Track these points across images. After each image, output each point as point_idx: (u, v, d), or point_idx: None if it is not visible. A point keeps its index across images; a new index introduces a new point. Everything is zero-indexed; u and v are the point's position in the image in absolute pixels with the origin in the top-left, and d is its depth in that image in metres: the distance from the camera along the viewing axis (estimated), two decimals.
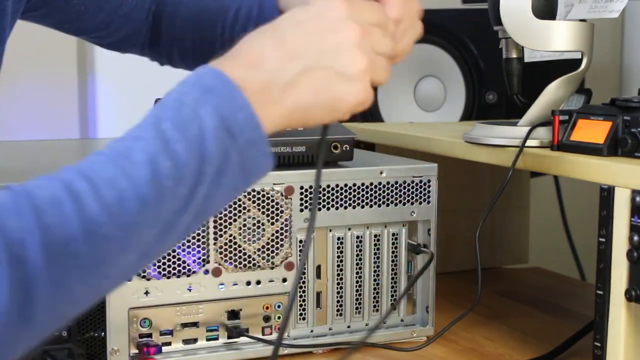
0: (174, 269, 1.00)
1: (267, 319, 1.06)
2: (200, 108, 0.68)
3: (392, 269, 1.12)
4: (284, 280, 1.06)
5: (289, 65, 0.72)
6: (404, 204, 1.11)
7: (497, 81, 1.50)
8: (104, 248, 0.65)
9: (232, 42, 1.03)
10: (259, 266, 1.04)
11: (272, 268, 1.05)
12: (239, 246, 1.03)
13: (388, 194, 1.10)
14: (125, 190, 0.65)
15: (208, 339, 1.04)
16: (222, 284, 1.03)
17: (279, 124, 0.73)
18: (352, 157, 1.09)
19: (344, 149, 1.08)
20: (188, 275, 1.01)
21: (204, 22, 1.11)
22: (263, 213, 1.03)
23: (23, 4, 1.06)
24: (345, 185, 1.07)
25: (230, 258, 1.03)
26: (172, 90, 0.71)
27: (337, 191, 1.07)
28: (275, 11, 1.02)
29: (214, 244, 1.01)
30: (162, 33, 1.16)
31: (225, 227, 1.02)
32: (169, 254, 0.99)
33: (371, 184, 1.09)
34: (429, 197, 1.12)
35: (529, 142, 1.04)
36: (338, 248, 1.09)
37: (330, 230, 1.08)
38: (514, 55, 1.09)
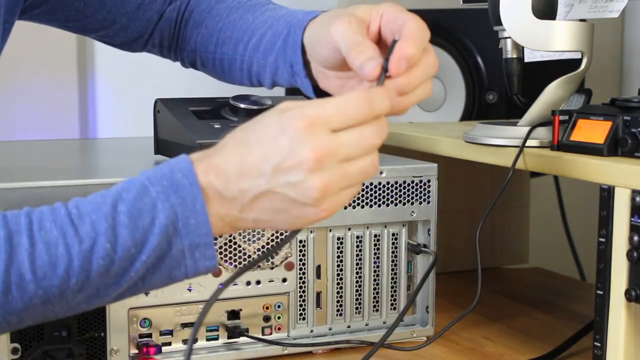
0: None
1: (267, 319, 1.06)
2: (160, 203, 0.73)
3: (392, 269, 1.12)
4: (284, 280, 1.06)
5: (247, 186, 0.74)
6: (404, 204, 1.11)
7: (497, 81, 1.50)
8: (24, 299, 0.71)
9: (251, 66, 1.06)
10: (258, 266, 1.04)
11: (272, 268, 1.05)
12: (239, 246, 1.03)
13: (388, 194, 1.10)
14: (59, 259, 0.71)
15: (208, 339, 1.04)
16: (222, 284, 1.03)
17: (243, 228, 0.80)
18: None
19: None
20: None
21: (226, 38, 1.11)
22: None
23: (18, 5, 1.06)
24: None
25: (230, 258, 1.03)
26: (147, 171, 0.75)
27: None
28: (299, 49, 0.98)
29: (214, 244, 1.01)
30: (186, 40, 1.16)
31: None
32: None
33: (371, 184, 1.09)
34: (429, 197, 1.12)
35: (529, 142, 1.04)
36: (338, 248, 1.09)
37: (330, 230, 1.08)
38: (514, 55, 1.09)
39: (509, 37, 1.08)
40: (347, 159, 0.73)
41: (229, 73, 1.11)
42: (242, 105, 1.08)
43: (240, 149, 0.74)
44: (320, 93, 0.97)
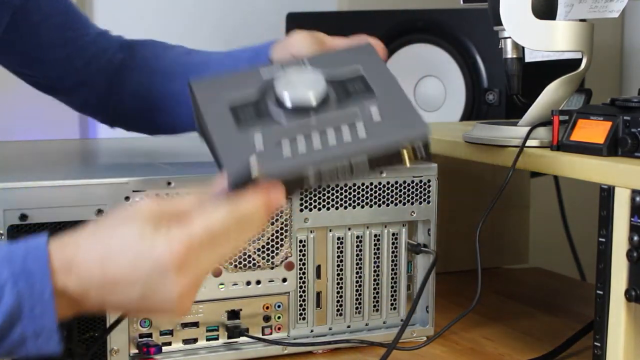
0: None
1: (267, 319, 1.06)
2: (8, 286, 0.72)
3: (392, 269, 1.12)
4: (284, 280, 1.06)
5: (107, 299, 0.74)
6: (404, 204, 1.11)
7: (497, 81, 1.50)
8: None
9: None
10: (259, 266, 1.04)
11: (272, 268, 1.05)
12: None
13: (388, 194, 1.10)
14: None
15: (208, 339, 1.04)
16: (222, 284, 1.03)
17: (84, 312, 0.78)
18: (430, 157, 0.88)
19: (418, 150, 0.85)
20: None
21: (182, 73, 1.17)
22: None
23: (1, 26, 1.11)
24: (345, 185, 1.07)
25: (230, 258, 1.03)
26: (2, 247, 0.75)
27: (337, 191, 1.07)
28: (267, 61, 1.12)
29: None
30: (129, 84, 1.21)
31: None
32: None
33: (371, 183, 1.09)
34: (429, 197, 1.12)
35: (529, 142, 1.04)
36: (338, 248, 1.09)
37: (330, 230, 1.08)
38: (514, 56, 1.09)
39: (509, 37, 1.08)
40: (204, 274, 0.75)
41: (171, 109, 1.17)
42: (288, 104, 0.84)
43: (106, 259, 0.73)
44: None
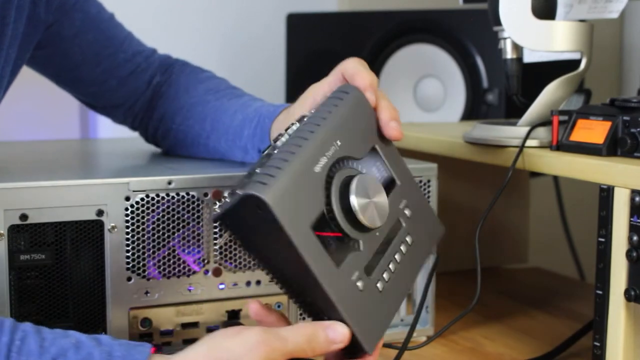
0: (174, 269, 1.00)
1: None
2: None
3: None
4: None
5: None
6: None
7: (497, 81, 1.50)
8: None
9: (218, 143, 1.11)
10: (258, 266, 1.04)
11: None
12: (240, 246, 1.03)
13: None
14: None
15: None
16: (222, 284, 1.03)
17: None
18: None
19: None
20: (188, 276, 1.01)
21: (197, 113, 1.15)
22: None
23: (32, 42, 1.08)
24: None
25: (230, 258, 1.03)
26: (103, 341, 0.77)
27: None
28: (267, 136, 1.04)
29: (214, 244, 1.01)
30: (156, 110, 1.20)
31: None
32: (169, 254, 0.99)
33: None
34: (429, 197, 1.12)
35: (529, 142, 1.05)
36: None
37: None
38: (514, 56, 1.09)
39: (509, 38, 1.08)
40: None
41: (189, 146, 1.16)
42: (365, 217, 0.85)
43: None
44: None
